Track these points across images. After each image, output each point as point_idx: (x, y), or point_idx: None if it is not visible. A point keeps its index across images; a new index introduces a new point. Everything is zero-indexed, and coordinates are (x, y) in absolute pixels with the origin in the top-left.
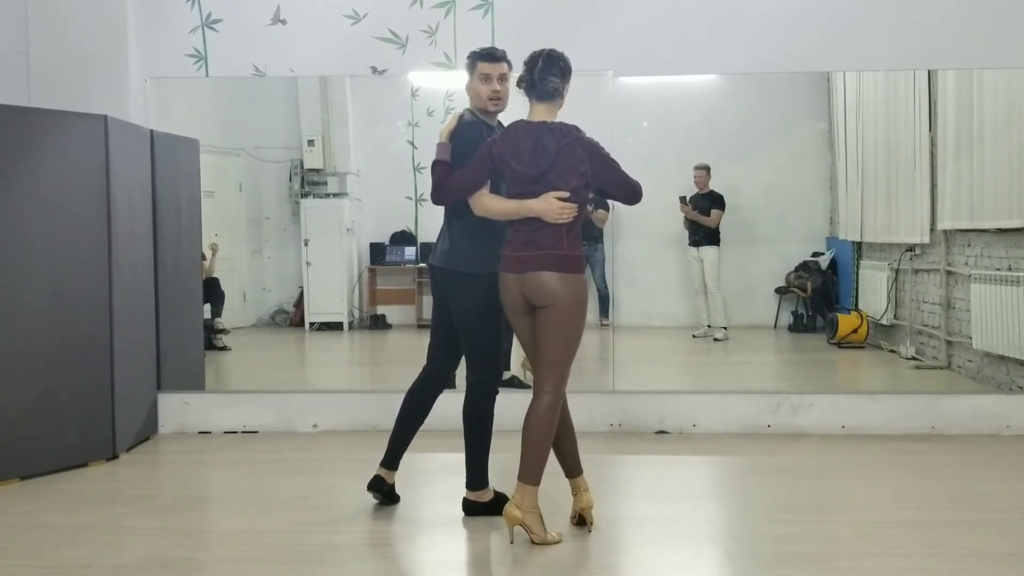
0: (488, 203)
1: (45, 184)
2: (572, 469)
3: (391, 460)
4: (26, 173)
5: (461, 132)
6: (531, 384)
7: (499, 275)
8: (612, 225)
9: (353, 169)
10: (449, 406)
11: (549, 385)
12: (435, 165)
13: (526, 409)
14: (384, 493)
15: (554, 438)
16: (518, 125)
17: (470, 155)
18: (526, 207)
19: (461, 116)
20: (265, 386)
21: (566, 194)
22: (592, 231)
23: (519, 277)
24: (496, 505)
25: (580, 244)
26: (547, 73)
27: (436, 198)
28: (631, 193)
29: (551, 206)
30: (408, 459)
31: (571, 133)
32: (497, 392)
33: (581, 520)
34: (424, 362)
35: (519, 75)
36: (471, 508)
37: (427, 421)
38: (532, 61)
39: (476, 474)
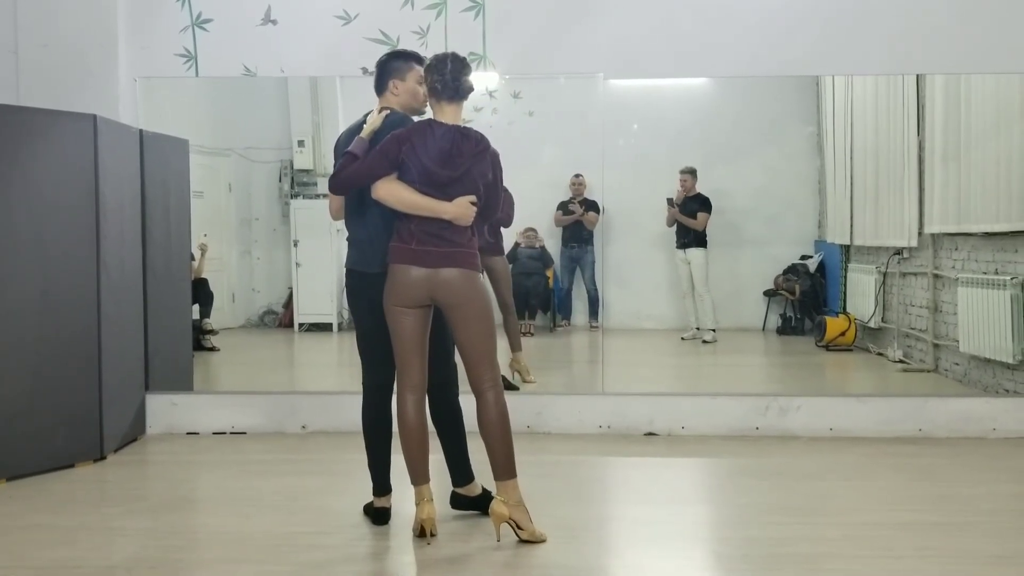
0: (401, 192)
1: (34, 184)
2: (426, 474)
3: (385, 486)
4: (14, 172)
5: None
6: (517, 384)
7: (398, 267)
8: (602, 227)
9: None
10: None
11: (489, 379)
12: (345, 155)
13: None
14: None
15: (427, 439)
16: (433, 125)
17: None
18: (441, 209)
19: (388, 116)
20: (254, 387)
21: (473, 198)
22: (582, 233)
23: (428, 272)
24: (484, 501)
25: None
26: (460, 74)
27: (333, 185)
28: (507, 216)
29: (466, 212)
30: (396, 461)
31: (484, 141)
32: (458, 383)
33: (423, 531)
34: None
35: (431, 78)
36: (459, 502)
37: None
38: (440, 63)
39: (462, 469)
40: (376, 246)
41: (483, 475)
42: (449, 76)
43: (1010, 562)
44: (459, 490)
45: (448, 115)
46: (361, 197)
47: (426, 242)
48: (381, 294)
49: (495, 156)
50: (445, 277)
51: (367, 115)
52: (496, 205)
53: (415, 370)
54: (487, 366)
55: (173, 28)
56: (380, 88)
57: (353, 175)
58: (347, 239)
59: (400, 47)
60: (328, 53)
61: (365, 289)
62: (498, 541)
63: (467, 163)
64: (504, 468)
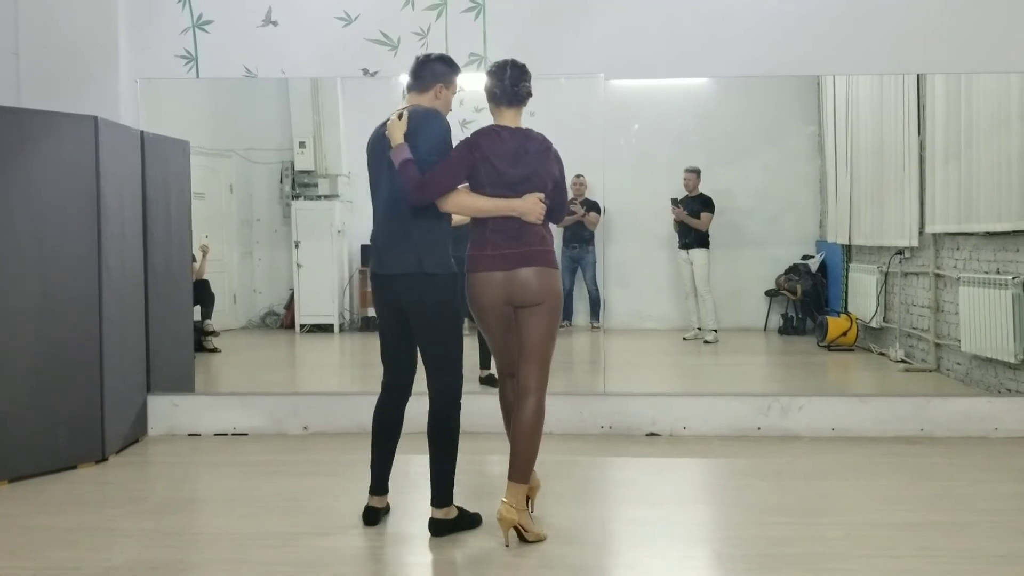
0: (468, 200)
1: (35, 185)
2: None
3: (379, 485)
4: (16, 174)
5: (432, 122)
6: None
7: (477, 275)
8: (603, 227)
9: (344, 171)
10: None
11: (536, 383)
12: (405, 165)
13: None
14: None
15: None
16: (499, 130)
17: (444, 145)
18: (509, 206)
19: (413, 112)
20: (255, 388)
21: (542, 195)
22: (583, 233)
23: (508, 275)
24: (463, 522)
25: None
26: (519, 80)
27: (420, 197)
28: (563, 213)
29: (536, 207)
30: (398, 462)
31: (546, 141)
32: (461, 397)
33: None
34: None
35: (490, 83)
36: (439, 528)
37: (414, 424)
38: (500, 70)
39: (445, 490)
40: (386, 248)
41: (480, 477)
42: (508, 82)
43: (1012, 562)
44: (437, 514)
45: (508, 119)
46: (375, 201)
47: (501, 245)
48: (395, 295)
49: (557, 155)
50: (523, 277)
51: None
52: (563, 203)
53: (511, 360)
54: (539, 368)
55: (174, 29)
56: (423, 86)
57: (440, 185)
58: (401, 240)
59: (400, 46)
60: (329, 54)
61: (380, 291)
62: (507, 546)
63: (534, 163)
64: (520, 471)
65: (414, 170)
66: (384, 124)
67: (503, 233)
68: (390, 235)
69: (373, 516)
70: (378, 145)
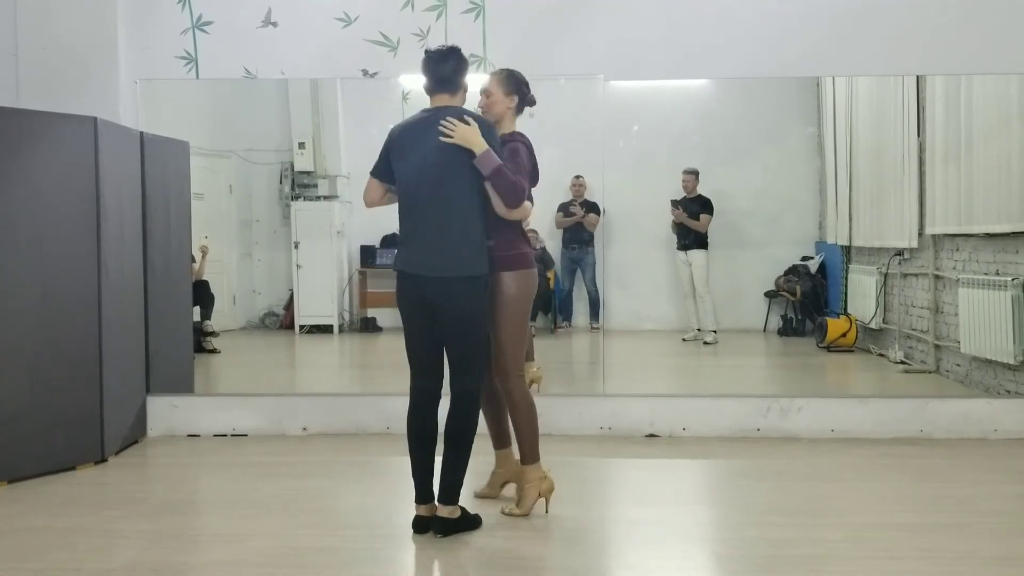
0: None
1: (34, 186)
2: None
3: (422, 493)
4: (15, 175)
5: (494, 129)
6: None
7: (532, 272)
8: (603, 228)
9: (344, 172)
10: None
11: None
12: (502, 172)
13: None
14: (445, 525)
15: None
16: (525, 138)
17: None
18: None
19: (474, 118)
20: (255, 389)
21: None
22: (583, 234)
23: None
24: (464, 522)
25: None
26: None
27: (519, 203)
28: None
29: None
30: (397, 463)
31: None
32: (481, 398)
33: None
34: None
35: (525, 92)
36: (442, 526)
37: None
38: (524, 82)
39: (453, 489)
40: (418, 247)
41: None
42: (528, 91)
43: (1011, 563)
44: (443, 512)
45: (517, 126)
46: (403, 200)
47: (528, 244)
48: (426, 295)
49: None
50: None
51: (429, 111)
52: None
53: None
54: None
55: (173, 30)
56: (454, 88)
57: (526, 192)
58: (441, 240)
59: (400, 48)
60: (328, 55)
61: (408, 290)
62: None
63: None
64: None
65: (513, 177)
66: (416, 121)
67: (525, 232)
68: (425, 235)
69: (421, 526)
70: (412, 141)
